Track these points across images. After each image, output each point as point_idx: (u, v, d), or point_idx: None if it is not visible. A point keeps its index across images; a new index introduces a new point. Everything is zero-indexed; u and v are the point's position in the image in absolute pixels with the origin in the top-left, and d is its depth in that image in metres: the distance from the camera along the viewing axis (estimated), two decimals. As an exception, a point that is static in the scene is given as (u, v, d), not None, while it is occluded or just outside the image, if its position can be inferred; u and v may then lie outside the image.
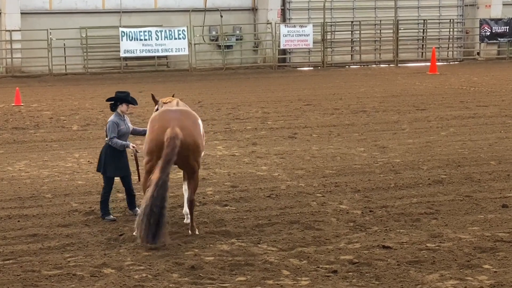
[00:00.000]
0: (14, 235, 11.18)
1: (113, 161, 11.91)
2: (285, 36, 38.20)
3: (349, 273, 9.52)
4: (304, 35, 38.39)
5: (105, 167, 11.96)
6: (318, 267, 9.73)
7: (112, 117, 12.07)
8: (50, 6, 36.12)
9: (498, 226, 11.47)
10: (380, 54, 41.22)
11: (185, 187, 11.74)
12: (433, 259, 9.96)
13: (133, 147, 11.97)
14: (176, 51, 36.67)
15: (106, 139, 12.01)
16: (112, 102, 12.18)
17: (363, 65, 39.98)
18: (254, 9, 39.35)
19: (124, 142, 11.93)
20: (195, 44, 37.21)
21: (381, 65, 40.23)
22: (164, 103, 11.89)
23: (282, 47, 38.62)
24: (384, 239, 10.84)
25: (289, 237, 10.98)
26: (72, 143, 18.73)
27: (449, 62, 41.81)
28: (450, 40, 42.67)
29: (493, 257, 10.06)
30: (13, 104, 25.34)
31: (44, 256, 10.23)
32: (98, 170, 12.26)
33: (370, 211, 12.27)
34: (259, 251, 10.36)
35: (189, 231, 11.15)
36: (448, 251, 10.26)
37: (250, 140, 18.75)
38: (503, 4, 42.56)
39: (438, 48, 41.07)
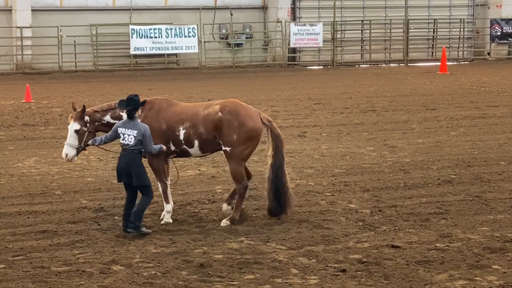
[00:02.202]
0: (24, 231, 11.21)
1: (144, 169, 11.37)
2: (295, 34, 38.20)
3: (357, 272, 9.51)
4: (314, 34, 38.38)
5: (145, 177, 11.21)
6: (327, 266, 9.73)
7: (145, 124, 11.19)
8: (61, 3, 36.21)
9: (508, 226, 11.44)
10: (390, 53, 41.19)
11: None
12: (442, 259, 9.94)
13: (165, 148, 11.61)
14: (186, 49, 36.71)
15: (134, 147, 11.06)
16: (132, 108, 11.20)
17: (373, 64, 39.94)
18: (264, 8, 39.36)
19: (158, 146, 11.43)
20: (205, 42, 37.24)
21: (391, 65, 40.18)
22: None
23: (292, 45, 38.62)
24: (393, 238, 10.83)
25: (298, 235, 10.98)
26: (82, 140, 18.75)
27: (459, 62, 41.73)
28: (461, 40, 42.59)
29: (502, 257, 10.04)
30: (23, 101, 25.41)
31: (54, 253, 10.26)
32: (131, 182, 11.19)
33: (379, 211, 12.26)
34: (268, 249, 10.36)
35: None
36: (457, 251, 10.24)
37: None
38: (514, 4, 42.49)
39: (449, 47, 41.01)
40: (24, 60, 35.39)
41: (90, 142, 11.61)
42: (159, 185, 11.77)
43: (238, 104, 11.78)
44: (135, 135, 11.06)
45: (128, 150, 11.10)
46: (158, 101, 11.90)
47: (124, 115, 11.49)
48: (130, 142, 11.07)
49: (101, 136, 11.60)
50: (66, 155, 11.65)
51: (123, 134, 11.12)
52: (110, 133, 11.34)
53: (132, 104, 11.11)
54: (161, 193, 11.77)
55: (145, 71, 36.14)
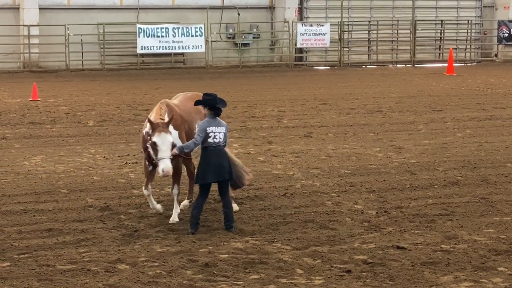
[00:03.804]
0: (30, 229, 11.23)
1: None
2: (302, 35, 38.19)
3: (363, 273, 9.50)
4: (321, 34, 38.37)
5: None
6: (332, 267, 9.72)
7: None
8: (68, 2, 36.28)
9: (514, 228, 11.42)
10: (397, 54, 41.16)
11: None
12: (448, 261, 9.93)
13: None
14: (192, 48, 36.74)
15: (224, 144, 11.14)
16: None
17: (380, 65, 39.91)
18: (271, 7, 39.36)
19: None
20: (212, 41, 37.26)
21: (397, 65, 40.15)
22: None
23: (299, 45, 38.62)
24: (398, 239, 10.81)
25: (303, 236, 10.97)
26: (88, 139, 18.79)
27: (466, 63, 41.67)
28: (468, 41, 42.53)
29: (508, 259, 10.02)
30: (30, 99, 25.45)
31: (59, 251, 10.27)
32: (229, 178, 11.28)
33: (385, 212, 12.25)
34: (273, 249, 10.36)
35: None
36: (463, 253, 10.22)
37: (266, 139, 18.75)
38: (522, 6, 42.43)
39: (456, 49, 40.95)
40: (31, 58, 35.46)
41: (176, 150, 11.07)
42: (176, 186, 11.72)
43: None
44: (224, 131, 11.09)
45: (220, 148, 11.08)
46: (171, 102, 11.97)
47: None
48: (221, 139, 11.05)
49: (186, 142, 11.20)
50: (172, 168, 10.96)
51: (214, 133, 11.01)
52: (199, 135, 10.98)
53: (225, 103, 11.19)
54: (176, 194, 11.73)
55: (151, 70, 36.17)
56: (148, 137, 11.15)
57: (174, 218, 11.62)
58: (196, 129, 11.34)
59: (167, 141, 10.95)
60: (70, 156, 16.67)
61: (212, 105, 11.08)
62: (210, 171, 11.04)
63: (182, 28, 36.29)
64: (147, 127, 11.32)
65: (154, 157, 11.05)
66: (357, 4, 40.30)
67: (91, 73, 35.10)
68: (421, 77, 34.03)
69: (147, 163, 11.65)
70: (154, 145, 10.96)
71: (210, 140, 11.01)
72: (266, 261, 9.86)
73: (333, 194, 13.34)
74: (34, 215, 11.97)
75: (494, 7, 42.67)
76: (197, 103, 11.31)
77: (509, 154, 16.85)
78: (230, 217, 11.20)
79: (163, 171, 10.85)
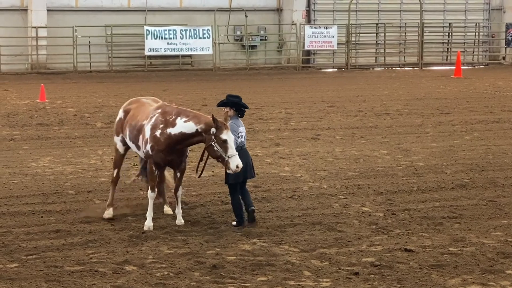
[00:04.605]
0: (38, 230, 11.25)
1: None
2: (310, 37, 38.18)
3: (370, 276, 9.50)
4: (329, 37, 38.35)
5: None
6: (340, 269, 9.72)
7: None
8: (76, 4, 36.34)
9: (522, 231, 11.40)
10: (404, 57, 41.12)
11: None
12: (456, 264, 9.92)
13: None
14: (200, 51, 36.75)
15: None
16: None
17: (387, 68, 39.87)
18: (279, 10, 39.37)
19: None
20: (219, 43, 37.28)
21: (405, 68, 40.10)
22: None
23: (306, 48, 38.61)
24: (406, 242, 10.81)
25: (311, 238, 10.97)
26: (96, 140, 18.82)
27: (474, 66, 41.60)
28: (476, 44, 42.46)
29: (516, 262, 10.01)
30: (38, 101, 25.50)
31: (67, 252, 10.29)
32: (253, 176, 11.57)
33: (393, 214, 12.24)
34: (281, 251, 10.36)
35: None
36: (470, 256, 10.21)
37: (273, 141, 18.75)
38: (530, 9, 42.33)
39: (463, 51, 40.88)
40: (39, 60, 35.52)
41: None
42: (180, 188, 11.71)
43: None
44: (245, 131, 11.35)
45: (245, 147, 11.30)
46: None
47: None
48: (245, 138, 11.29)
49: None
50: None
51: (241, 133, 11.20)
52: (233, 134, 11.01)
53: (247, 105, 11.46)
54: (180, 196, 11.73)
55: (159, 72, 36.20)
56: (213, 137, 10.84)
57: (180, 220, 11.63)
58: None
59: (232, 138, 10.91)
60: (78, 157, 16.70)
61: (239, 105, 11.23)
62: (240, 170, 11.10)
63: (190, 30, 36.32)
64: (184, 128, 11.09)
65: (223, 155, 10.82)
66: (365, 7, 40.28)
67: (99, 74, 35.15)
68: (429, 79, 33.99)
69: (153, 167, 11.50)
70: (224, 143, 10.79)
71: (238, 140, 11.15)
72: (274, 263, 9.87)
73: (340, 196, 13.34)
74: (42, 216, 12.00)
75: (502, 10, 42.59)
76: (222, 104, 11.35)
77: (517, 157, 16.83)
78: (253, 216, 11.43)
79: (237, 167, 10.78)
